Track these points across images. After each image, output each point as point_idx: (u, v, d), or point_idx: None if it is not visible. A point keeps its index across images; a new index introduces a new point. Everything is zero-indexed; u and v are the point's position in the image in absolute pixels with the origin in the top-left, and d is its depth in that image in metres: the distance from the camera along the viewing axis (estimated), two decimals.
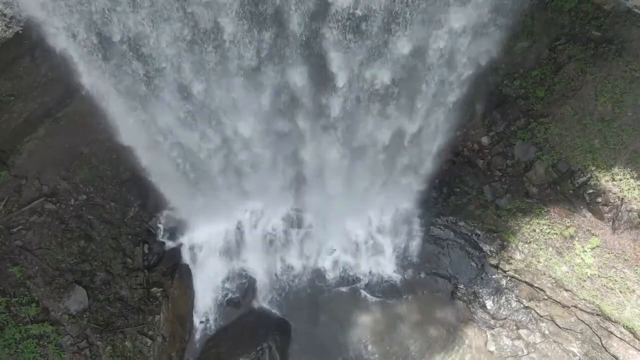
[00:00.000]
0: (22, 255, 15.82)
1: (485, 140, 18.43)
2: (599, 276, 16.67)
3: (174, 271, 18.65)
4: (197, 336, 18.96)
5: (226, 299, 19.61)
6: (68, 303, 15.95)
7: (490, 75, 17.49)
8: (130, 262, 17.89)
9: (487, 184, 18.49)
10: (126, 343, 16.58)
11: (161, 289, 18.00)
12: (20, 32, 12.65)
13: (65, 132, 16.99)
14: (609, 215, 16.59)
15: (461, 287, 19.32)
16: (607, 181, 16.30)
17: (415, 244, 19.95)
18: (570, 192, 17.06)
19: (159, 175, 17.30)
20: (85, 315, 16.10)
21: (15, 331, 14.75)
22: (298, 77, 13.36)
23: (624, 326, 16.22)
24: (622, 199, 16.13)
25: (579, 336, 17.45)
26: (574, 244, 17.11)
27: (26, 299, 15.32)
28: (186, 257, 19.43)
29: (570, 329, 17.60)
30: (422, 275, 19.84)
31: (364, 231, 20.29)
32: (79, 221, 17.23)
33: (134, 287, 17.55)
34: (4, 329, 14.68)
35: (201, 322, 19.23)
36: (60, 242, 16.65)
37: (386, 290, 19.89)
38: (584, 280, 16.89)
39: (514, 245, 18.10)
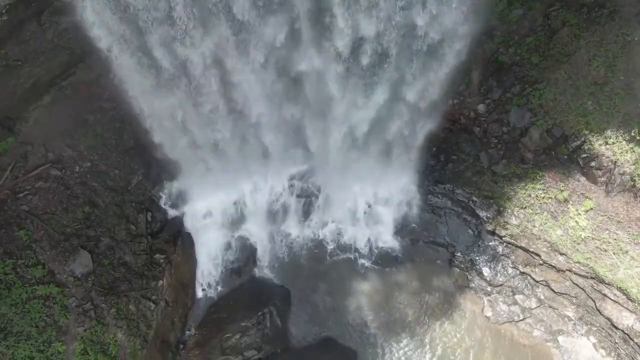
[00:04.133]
0: (28, 220, 16.11)
1: (481, 107, 18.69)
2: (592, 238, 16.97)
3: (176, 239, 18.91)
4: (200, 302, 19.30)
5: (228, 266, 19.92)
6: (73, 266, 16.21)
7: (486, 43, 17.88)
8: (134, 228, 18.17)
9: (484, 150, 18.77)
10: (130, 306, 16.85)
11: (164, 256, 18.29)
12: None
13: (70, 101, 17.26)
14: (603, 179, 16.90)
15: (458, 254, 19.62)
16: (601, 145, 16.60)
17: (413, 213, 20.18)
18: (564, 156, 17.36)
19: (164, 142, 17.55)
20: (90, 279, 16.34)
21: (21, 291, 15.00)
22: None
23: (617, 288, 16.50)
24: (615, 162, 16.42)
25: (574, 300, 17.74)
26: (568, 208, 17.40)
27: (32, 261, 15.57)
28: (189, 225, 19.67)
29: (565, 294, 17.89)
30: (420, 243, 20.08)
31: (363, 200, 20.52)
32: (84, 187, 17.53)
33: (138, 253, 17.82)
34: (11, 289, 14.95)
35: (203, 289, 19.57)
36: (66, 208, 16.92)
37: (384, 259, 20.16)
38: (579, 243, 17.19)
39: (509, 210, 18.38)
